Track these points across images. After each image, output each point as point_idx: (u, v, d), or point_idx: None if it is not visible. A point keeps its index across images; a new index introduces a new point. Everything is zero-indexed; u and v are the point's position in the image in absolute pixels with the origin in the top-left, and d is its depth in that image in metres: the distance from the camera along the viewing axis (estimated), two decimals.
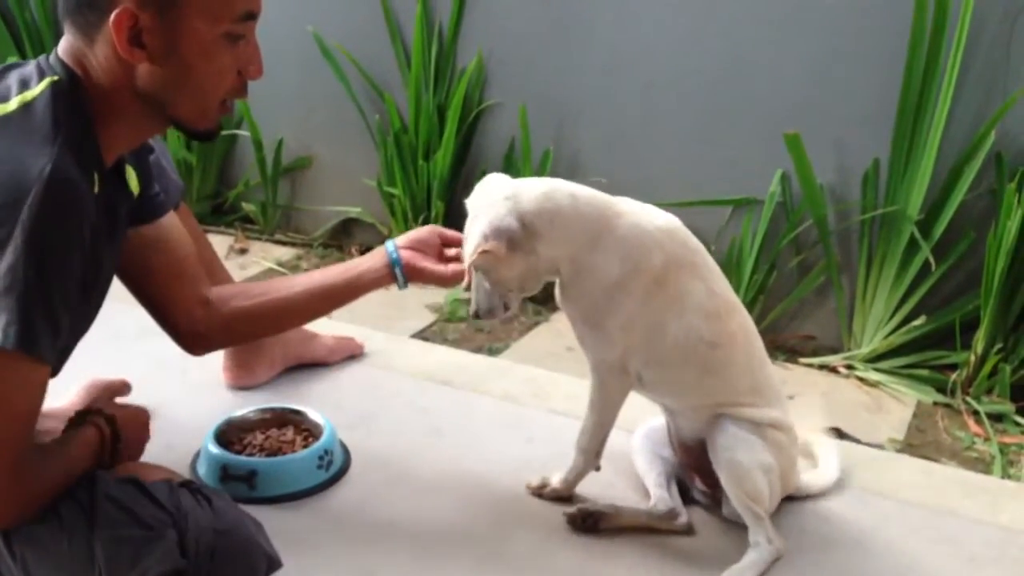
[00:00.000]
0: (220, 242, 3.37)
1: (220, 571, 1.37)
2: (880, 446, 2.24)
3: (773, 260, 2.73)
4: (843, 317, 2.73)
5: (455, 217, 3.21)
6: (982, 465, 2.25)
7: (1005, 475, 2.20)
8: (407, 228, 3.19)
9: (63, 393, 1.89)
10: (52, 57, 1.35)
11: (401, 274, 1.78)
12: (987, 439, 2.35)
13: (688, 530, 1.76)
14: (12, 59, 3.29)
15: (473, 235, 1.58)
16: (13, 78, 1.33)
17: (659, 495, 1.78)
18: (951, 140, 2.50)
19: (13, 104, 1.28)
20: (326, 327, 2.41)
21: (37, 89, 1.29)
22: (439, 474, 1.91)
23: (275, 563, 1.48)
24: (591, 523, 1.73)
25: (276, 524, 1.58)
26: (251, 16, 1.33)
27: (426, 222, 3.16)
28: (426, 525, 1.76)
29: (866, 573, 1.69)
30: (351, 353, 2.38)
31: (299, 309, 1.82)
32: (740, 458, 1.66)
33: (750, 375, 1.72)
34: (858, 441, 2.24)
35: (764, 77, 2.70)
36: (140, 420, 1.66)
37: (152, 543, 1.32)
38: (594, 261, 1.62)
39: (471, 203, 1.66)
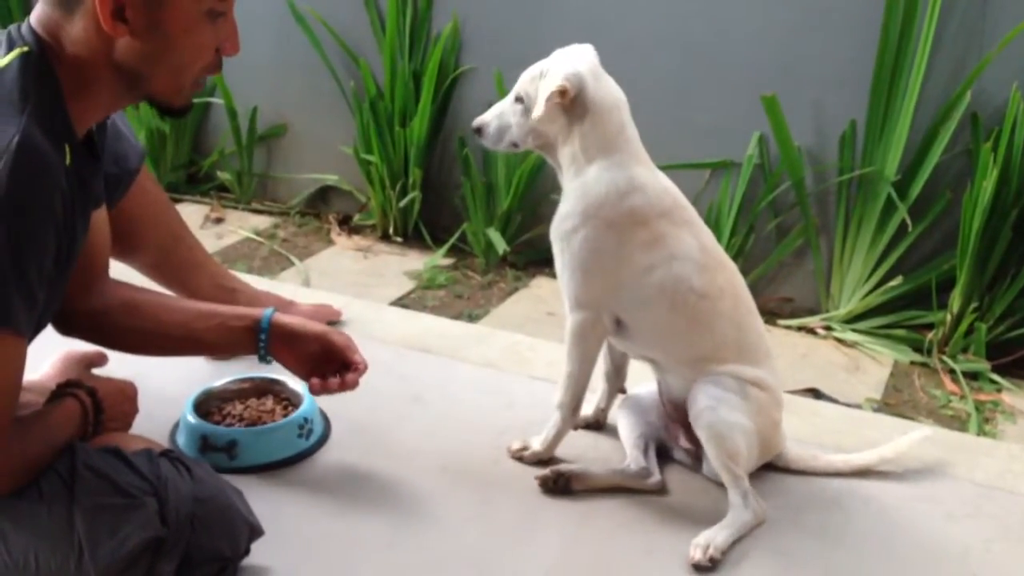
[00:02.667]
0: (196, 211, 3.34)
1: (201, 539, 1.37)
2: (858, 406, 2.26)
3: (751, 223, 2.73)
4: (821, 279, 2.74)
5: (433, 184, 3.20)
6: (958, 423, 2.28)
7: (981, 432, 2.22)
8: (385, 195, 3.17)
9: (39, 366, 1.87)
10: (24, 26, 1.32)
11: (265, 348, 1.68)
12: (963, 397, 2.38)
13: (661, 490, 1.77)
14: None
15: (555, 71, 1.68)
16: None
17: (633, 455, 1.79)
18: (927, 101, 2.50)
19: None
20: (304, 296, 2.40)
21: (5, 59, 1.27)
22: (420, 441, 1.91)
23: (257, 531, 1.48)
24: (563, 484, 1.74)
25: (257, 493, 1.58)
26: None
27: (404, 189, 3.15)
28: (407, 492, 1.76)
29: (844, 531, 1.70)
30: (329, 320, 2.37)
31: (164, 337, 1.70)
32: (720, 416, 1.67)
33: (736, 331, 1.73)
34: (836, 401, 2.26)
35: (741, 39, 2.69)
36: (126, 393, 1.65)
37: (132, 511, 1.32)
38: (594, 173, 1.71)
39: (553, 56, 1.76)
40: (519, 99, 1.74)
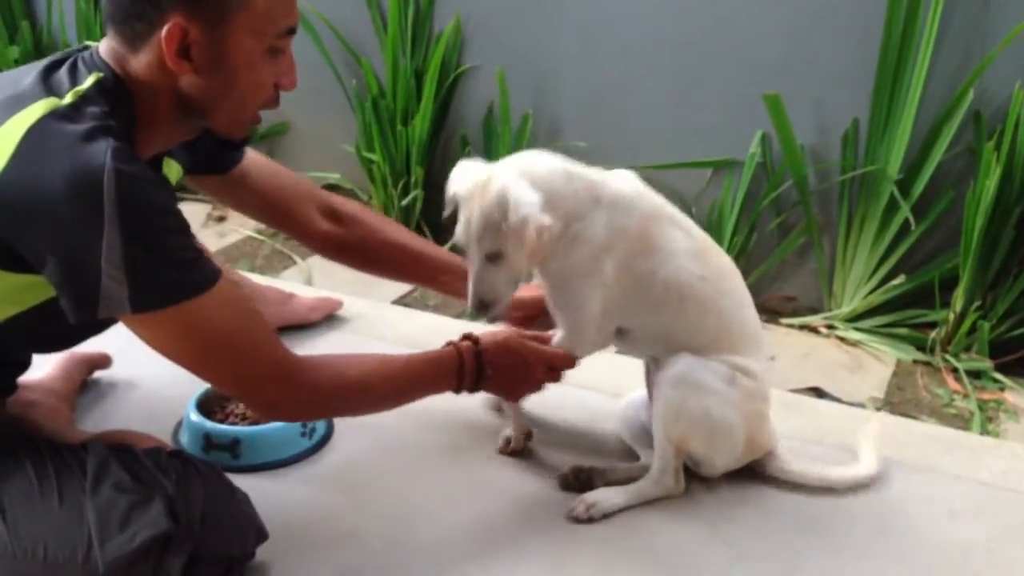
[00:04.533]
0: (198, 210, 3.34)
1: (210, 538, 1.38)
2: (861, 405, 2.26)
3: (754, 221, 2.73)
4: (823, 277, 2.74)
5: (435, 182, 3.20)
6: (961, 421, 2.28)
7: (984, 431, 2.22)
8: (387, 194, 3.17)
9: (42, 367, 1.87)
10: (94, 54, 1.36)
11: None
12: (966, 396, 2.37)
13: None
14: None
15: (518, 215, 1.49)
16: (63, 73, 1.34)
17: (646, 452, 1.79)
18: (930, 99, 2.50)
19: (68, 97, 1.29)
20: (307, 292, 2.40)
21: (87, 83, 1.31)
22: (422, 440, 1.91)
23: (262, 535, 1.49)
24: (585, 479, 1.73)
25: (261, 492, 1.57)
26: (292, 31, 1.37)
27: (406, 188, 3.15)
28: (410, 491, 1.76)
29: (847, 530, 1.70)
30: (331, 311, 2.37)
31: (408, 262, 1.92)
32: (680, 396, 1.65)
33: (739, 308, 1.72)
34: (839, 400, 2.26)
35: (743, 38, 2.68)
36: (511, 347, 1.66)
37: (143, 507, 1.33)
38: (582, 229, 1.60)
39: (461, 188, 1.60)
40: (492, 257, 1.56)
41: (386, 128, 3.13)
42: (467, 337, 1.64)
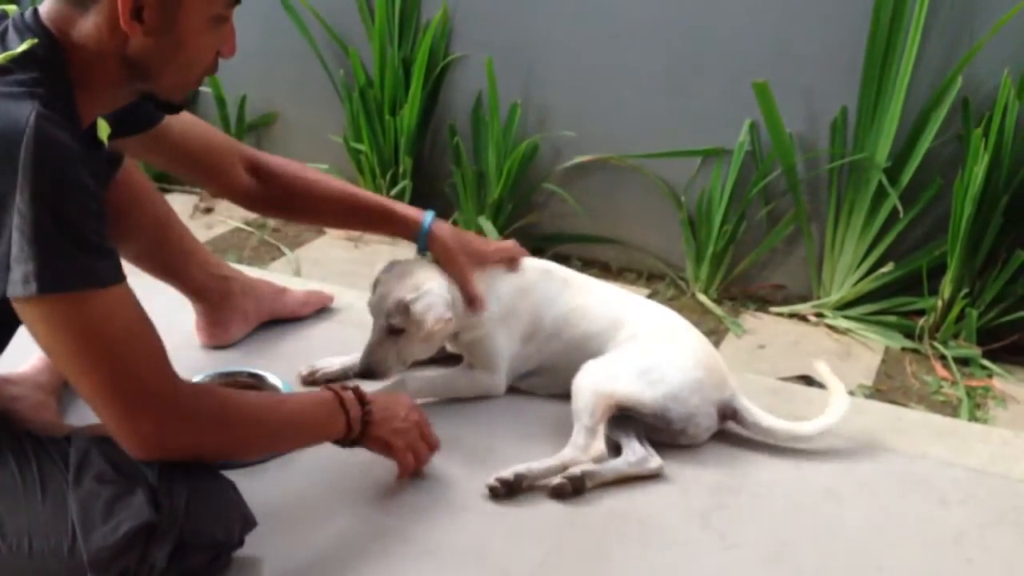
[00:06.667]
0: (185, 201, 3.32)
1: (194, 526, 1.37)
2: (850, 392, 2.25)
3: (743, 210, 2.73)
4: (812, 265, 2.74)
5: (423, 173, 3.19)
6: (950, 408, 2.28)
7: (972, 418, 2.23)
8: (375, 184, 3.16)
9: (27, 359, 1.86)
10: (28, 16, 1.34)
11: (424, 241, 1.93)
12: (954, 383, 2.38)
13: (661, 472, 1.78)
14: None
15: (425, 303, 1.81)
16: None
17: (630, 445, 1.80)
18: (918, 86, 2.50)
19: None
20: (296, 285, 2.39)
21: (19, 49, 1.29)
22: None
23: (250, 522, 1.48)
24: (579, 486, 1.73)
25: (248, 485, 1.56)
26: (238, 1, 1.42)
27: (394, 178, 3.14)
28: (395, 482, 1.75)
29: (838, 518, 1.71)
30: (322, 305, 2.37)
31: (333, 206, 1.96)
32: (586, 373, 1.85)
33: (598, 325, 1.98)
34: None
35: (731, 25, 2.68)
36: (400, 400, 1.73)
37: (125, 498, 1.32)
38: (480, 319, 1.94)
39: (386, 278, 1.89)
40: (393, 331, 1.85)
41: (374, 118, 3.11)
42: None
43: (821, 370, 1.98)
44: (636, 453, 1.79)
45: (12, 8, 1.39)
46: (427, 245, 1.94)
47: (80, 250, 1.24)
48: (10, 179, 1.19)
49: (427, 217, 1.96)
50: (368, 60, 3.12)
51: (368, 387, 1.69)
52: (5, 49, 1.29)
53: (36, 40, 1.30)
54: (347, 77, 3.14)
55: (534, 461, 1.75)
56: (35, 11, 1.33)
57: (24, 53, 1.28)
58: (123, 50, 1.34)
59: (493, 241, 2.15)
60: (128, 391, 1.31)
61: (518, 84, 2.96)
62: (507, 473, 1.72)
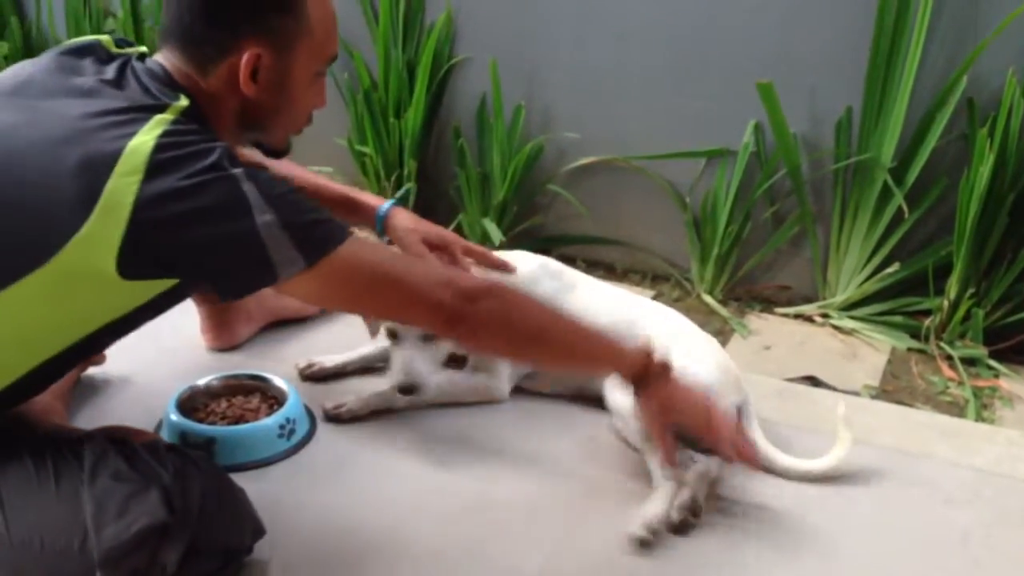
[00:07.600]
0: None
1: (207, 531, 1.38)
2: (856, 392, 2.26)
3: (748, 211, 2.73)
4: (818, 266, 2.74)
5: (428, 175, 3.20)
6: (956, 409, 2.28)
7: (979, 418, 2.23)
8: (380, 187, 3.17)
9: None
10: (158, 69, 1.40)
11: (381, 226, 1.95)
12: (960, 383, 2.38)
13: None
14: None
15: None
16: (132, 84, 1.37)
17: (684, 452, 1.77)
18: (923, 86, 2.49)
19: (169, 113, 1.34)
20: None
21: (182, 102, 1.37)
22: (410, 434, 1.91)
23: (260, 530, 1.49)
24: (697, 509, 1.67)
25: (256, 489, 1.57)
26: (335, 58, 1.55)
27: (399, 180, 3.14)
28: (398, 486, 1.75)
29: (844, 518, 1.71)
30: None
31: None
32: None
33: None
34: (834, 388, 2.26)
35: (736, 26, 2.68)
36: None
37: (139, 496, 1.33)
38: None
39: None
40: (428, 338, 1.82)
41: (378, 121, 3.12)
42: None
43: (839, 414, 1.84)
44: (695, 458, 1.76)
45: (107, 39, 1.46)
46: (384, 230, 1.95)
47: (318, 222, 1.36)
48: (245, 204, 1.28)
49: (385, 204, 1.97)
50: (372, 63, 3.13)
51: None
52: (151, 94, 1.36)
53: (186, 103, 1.38)
54: (351, 80, 3.15)
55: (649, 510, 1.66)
56: (163, 66, 1.41)
57: (184, 106, 1.37)
58: (240, 106, 1.46)
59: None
60: (423, 296, 1.41)
61: (522, 86, 2.96)
62: (643, 532, 1.61)
